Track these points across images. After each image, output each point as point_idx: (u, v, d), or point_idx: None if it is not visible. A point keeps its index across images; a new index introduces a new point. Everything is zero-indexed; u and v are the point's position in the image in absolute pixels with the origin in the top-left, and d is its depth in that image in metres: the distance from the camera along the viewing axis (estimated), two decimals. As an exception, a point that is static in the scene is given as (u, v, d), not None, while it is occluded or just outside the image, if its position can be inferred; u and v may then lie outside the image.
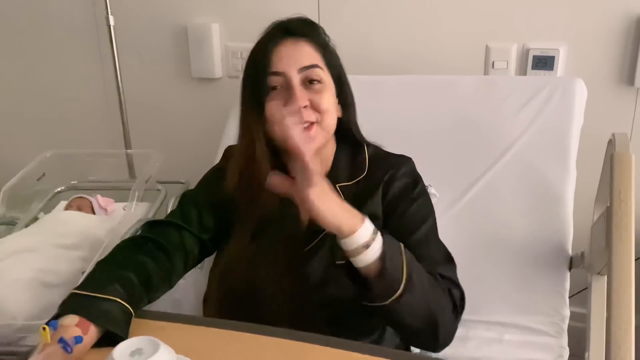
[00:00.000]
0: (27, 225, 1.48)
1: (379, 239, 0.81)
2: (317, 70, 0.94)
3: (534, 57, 1.53)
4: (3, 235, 1.37)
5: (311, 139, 0.93)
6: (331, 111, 0.96)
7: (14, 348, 1.07)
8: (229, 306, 0.96)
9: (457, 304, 0.91)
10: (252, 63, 0.97)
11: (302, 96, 0.92)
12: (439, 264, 0.94)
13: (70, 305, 0.79)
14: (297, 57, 0.94)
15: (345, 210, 0.82)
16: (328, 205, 0.80)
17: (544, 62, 1.53)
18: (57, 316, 0.78)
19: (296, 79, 0.93)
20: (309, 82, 0.94)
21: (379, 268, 0.80)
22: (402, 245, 0.85)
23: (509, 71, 1.57)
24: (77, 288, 0.83)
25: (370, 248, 0.80)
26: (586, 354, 1.06)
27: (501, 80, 1.43)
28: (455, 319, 0.91)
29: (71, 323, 0.75)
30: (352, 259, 0.82)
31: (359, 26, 1.66)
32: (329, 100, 0.95)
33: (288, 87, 0.93)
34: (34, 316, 1.12)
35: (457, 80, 1.42)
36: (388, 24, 1.64)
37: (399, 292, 0.80)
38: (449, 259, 0.97)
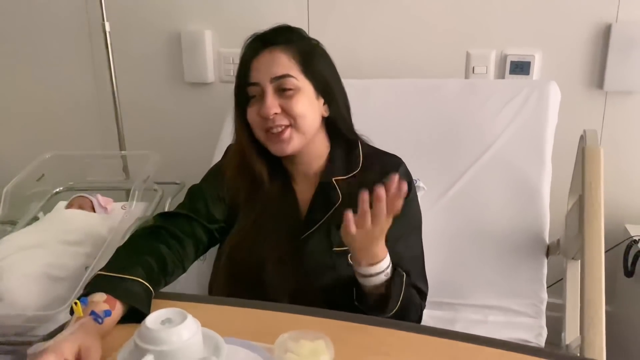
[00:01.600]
0: (27, 225, 1.50)
1: (381, 278, 0.92)
2: (288, 79, 1.00)
3: (512, 62, 1.62)
4: (3, 235, 1.40)
5: (285, 141, 1.01)
6: (306, 115, 1.02)
7: (25, 338, 1.11)
8: (234, 289, 1.03)
9: (421, 315, 1.03)
10: (237, 74, 1.06)
11: (272, 104, 0.99)
12: (417, 274, 1.04)
13: (98, 284, 0.85)
14: (270, 67, 1.00)
15: (371, 251, 0.91)
16: (363, 249, 0.90)
17: (521, 67, 1.62)
18: (86, 294, 0.84)
19: (269, 88, 1.00)
20: (282, 90, 1.01)
21: (381, 295, 0.92)
22: (403, 278, 0.95)
23: (488, 75, 1.65)
24: (103, 270, 0.89)
25: (373, 278, 0.92)
26: (562, 334, 1.14)
27: (482, 84, 1.52)
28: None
29: (100, 299, 0.81)
30: (360, 279, 0.93)
31: (347, 32, 1.73)
32: (302, 104, 1.01)
33: (262, 95, 1.01)
34: (43, 307, 1.15)
35: (441, 84, 1.50)
36: (375, 31, 1.71)
37: (388, 315, 0.92)
38: (423, 265, 1.08)
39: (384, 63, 1.72)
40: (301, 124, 1.01)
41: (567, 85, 1.52)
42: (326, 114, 1.07)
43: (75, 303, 0.76)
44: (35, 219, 1.56)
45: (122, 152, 1.91)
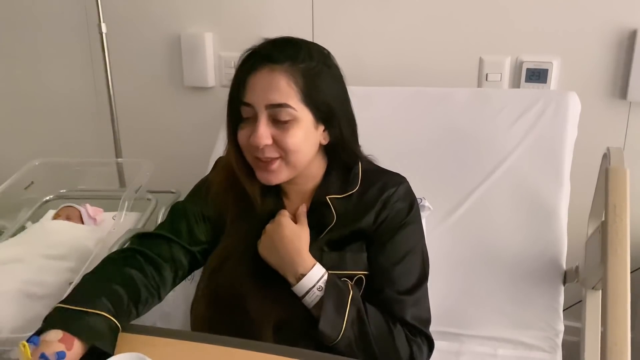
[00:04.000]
0: (14, 235, 1.45)
1: (315, 293, 0.90)
2: (285, 110, 0.89)
3: (528, 70, 1.54)
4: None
5: (272, 172, 0.93)
6: (300, 149, 0.92)
7: (-3, 362, 1.05)
8: (214, 314, 0.96)
9: (415, 355, 0.93)
10: (231, 89, 0.95)
11: (264, 134, 0.89)
12: (409, 305, 0.95)
13: (55, 319, 0.78)
14: (267, 91, 0.89)
15: (289, 262, 0.92)
16: (268, 256, 0.94)
17: (538, 75, 1.53)
18: (41, 331, 0.77)
19: (263, 115, 0.90)
20: (277, 120, 0.90)
21: (317, 316, 0.88)
22: (349, 295, 0.91)
23: (502, 84, 1.57)
24: (63, 302, 0.81)
25: (308, 296, 0.90)
26: (580, 370, 1.05)
27: (495, 93, 1.43)
28: None
29: (54, 338, 0.73)
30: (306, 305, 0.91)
31: (353, 37, 1.66)
32: (297, 137, 0.91)
33: (255, 120, 0.91)
34: (19, 329, 1.09)
35: (451, 93, 1.42)
36: (383, 36, 1.64)
37: (334, 343, 0.88)
38: (422, 298, 0.98)
39: (392, 70, 1.65)
40: (292, 159, 0.92)
41: (587, 95, 1.43)
42: (325, 142, 0.98)
43: (24, 345, 0.68)
44: (23, 228, 1.52)
45: (115, 159, 1.86)
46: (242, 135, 0.94)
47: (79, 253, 1.32)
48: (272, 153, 0.91)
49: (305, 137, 0.93)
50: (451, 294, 1.21)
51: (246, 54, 0.94)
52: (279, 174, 0.94)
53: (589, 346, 1.05)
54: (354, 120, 1.01)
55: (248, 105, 0.91)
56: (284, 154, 0.92)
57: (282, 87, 0.89)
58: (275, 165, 0.93)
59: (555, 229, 1.22)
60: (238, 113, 0.93)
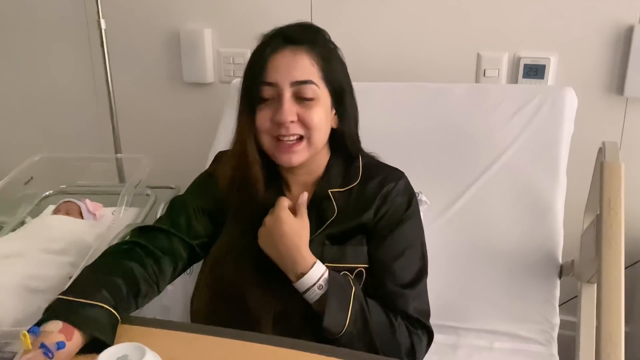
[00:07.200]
0: (13, 230, 1.46)
1: (315, 291, 0.90)
2: (310, 86, 0.92)
3: (525, 65, 1.54)
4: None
5: (295, 152, 0.94)
6: (321, 127, 0.94)
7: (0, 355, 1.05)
8: (215, 305, 0.96)
9: (416, 347, 0.94)
10: (249, 69, 0.96)
11: (290, 111, 0.91)
12: (410, 298, 0.95)
13: (55, 310, 0.78)
14: (291, 69, 0.91)
15: (289, 260, 0.91)
16: (268, 249, 0.94)
17: (535, 71, 1.53)
18: (41, 321, 0.77)
19: (288, 92, 0.91)
20: (301, 97, 0.92)
21: (322, 311, 0.88)
22: (352, 291, 0.90)
23: (500, 79, 1.58)
24: (63, 293, 0.82)
25: (309, 293, 0.90)
26: (576, 363, 1.06)
27: (492, 89, 1.43)
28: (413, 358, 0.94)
29: (54, 329, 0.74)
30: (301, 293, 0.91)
31: (352, 33, 1.66)
32: (319, 115, 0.93)
33: (279, 98, 0.92)
34: (19, 322, 1.10)
35: (449, 88, 1.42)
36: (381, 32, 1.65)
37: (337, 336, 0.88)
38: (423, 291, 0.99)
39: (390, 66, 1.65)
40: (315, 136, 0.94)
41: (584, 91, 1.44)
42: (335, 126, 0.99)
43: (24, 334, 0.69)
44: (23, 223, 1.53)
45: (115, 155, 1.86)
46: (262, 116, 0.94)
47: (78, 247, 1.32)
48: (296, 129, 0.93)
49: (326, 116, 0.95)
50: (448, 287, 1.21)
51: (267, 35, 0.96)
52: (300, 155, 0.95)
53: (584, 339, 1.06)
54: (357, 110, 1.03)
55: (271, 84, 0.92)
56: (308, 132, 0.93)
57: (306, 66, 0.92)
58: (301, 146, 0.94)
59: (552, 223, 1.23)
60: (254, 96, 0.94)
